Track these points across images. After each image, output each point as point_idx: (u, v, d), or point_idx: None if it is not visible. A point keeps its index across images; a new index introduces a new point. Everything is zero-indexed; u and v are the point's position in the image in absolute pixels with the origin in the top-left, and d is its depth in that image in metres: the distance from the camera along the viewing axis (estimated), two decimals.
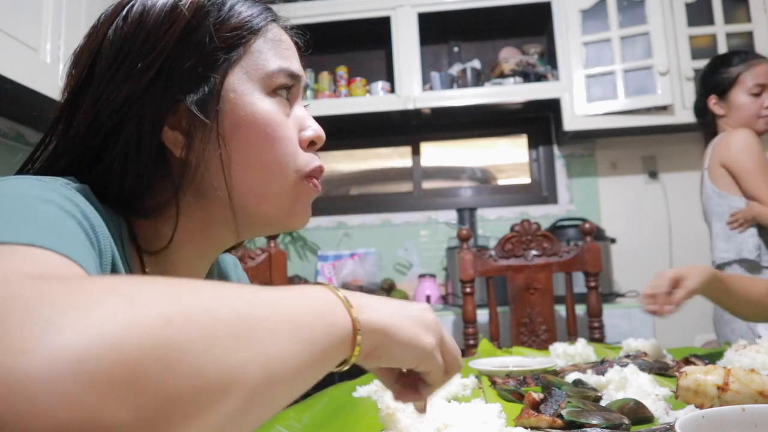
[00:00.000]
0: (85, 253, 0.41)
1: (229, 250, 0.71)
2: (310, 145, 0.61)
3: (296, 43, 0.64)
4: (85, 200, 0.48)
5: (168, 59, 0.53)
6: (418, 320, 0.47)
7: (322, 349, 0.37)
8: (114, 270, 0.49)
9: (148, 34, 0.53)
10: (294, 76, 0.60)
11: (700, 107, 1.87)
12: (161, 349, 0.25)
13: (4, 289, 0.26)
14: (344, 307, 0.40)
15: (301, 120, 0.61)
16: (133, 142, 0.53)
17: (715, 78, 1.80)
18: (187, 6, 0.54)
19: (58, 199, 0.44)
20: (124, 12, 0.55)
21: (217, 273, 0.72)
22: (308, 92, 2.69)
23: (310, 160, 0.60)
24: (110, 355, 0.23)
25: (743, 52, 1.83)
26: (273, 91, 0.58)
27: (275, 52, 0.59)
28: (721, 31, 2.41)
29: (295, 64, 0.61)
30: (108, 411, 0.23)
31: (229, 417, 0.28)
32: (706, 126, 1.88)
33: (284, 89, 0.59)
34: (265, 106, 0.57)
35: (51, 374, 0.22)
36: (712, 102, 1.80)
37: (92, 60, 0.55)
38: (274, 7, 0.63)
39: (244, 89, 0.56)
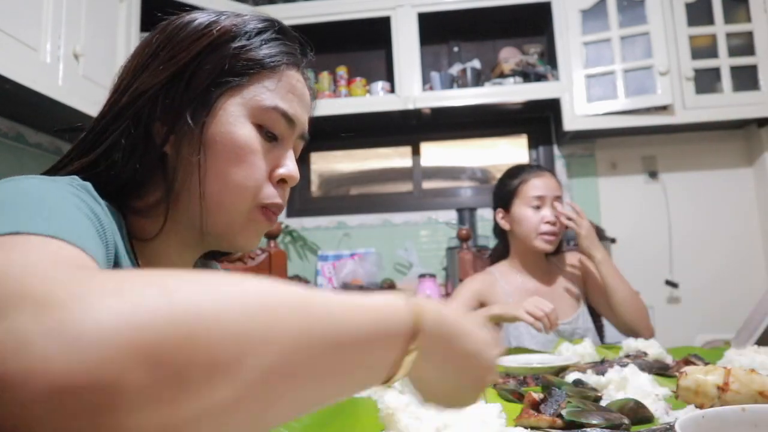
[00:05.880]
0: (97, 246, 0.46)
1: (214, 258, 0.77)
2: (280, 182, 0.65)
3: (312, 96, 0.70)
4: (89, 196, 0.53)
5: (186, 67, 0.60)
6: (483, 361, 0.45)
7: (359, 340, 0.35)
8: (117, 260, 0.54)
9: (178, 42, 0.61)
10: (288, 118, 0.64)
11: (495, 223, 1.71)
12: (185, 338, 0.28)
13: (54, 271, 0.30)
14: (404, 305, 0.38)
15: (280, 158, 0.65)
16: (131, 128, 0.59)
17: (500, 190, 1.67)
18: (218, 28, 0.62)
19: (71, 197, 0.49)
20: (168, 26, 0.63)
21: None
22: None
23: (272, 195, 0.64)
24: (139, 333, 0.27)
25: (532, 166, 1.69)
26: (260, 125, 0.63)
27: (279, 93, 0.63)
28: (721, 31, 2.41)
29: (294, 108, 0.65)
30: (129, 372, 0.26)
31: (244, 390, 0.30)
32: (500, 245, 1.73)
33: (274, 129, 0.63)
34: (244, 131, 0.61)
35: (97, 337, 0.26)
36: (499, 216, 1.66)
37: (129, 66, 0.63)
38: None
39: (233, 111, 0.61)
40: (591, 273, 1.66)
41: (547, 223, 1.56)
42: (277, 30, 0.66)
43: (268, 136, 0.63)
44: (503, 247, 1.70)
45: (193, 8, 0.68)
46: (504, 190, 1.64)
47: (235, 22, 0.63)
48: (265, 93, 0.62)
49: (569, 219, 1.57)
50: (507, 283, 1.61)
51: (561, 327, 1.54)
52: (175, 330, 0.28)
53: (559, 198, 1.61)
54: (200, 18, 0.63)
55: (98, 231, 0.49)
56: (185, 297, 0.29)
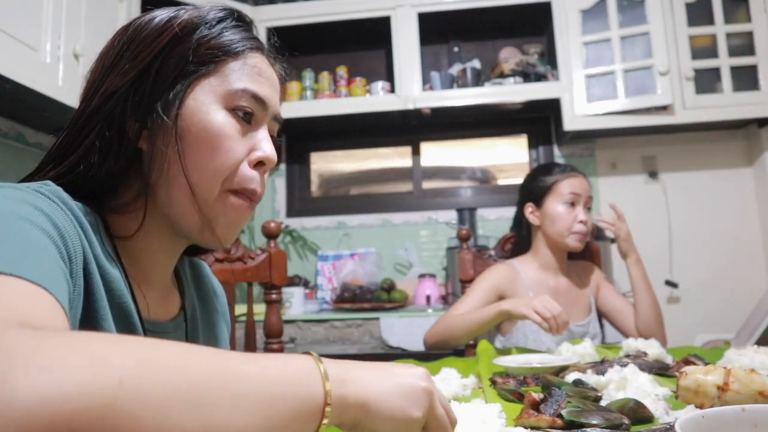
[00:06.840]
0: (54, 269, 0.46)
1: (196, 255, 0.78)
2: (259, 165, 0.64)
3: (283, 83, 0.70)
4: (54, 203, 0.53)
5: (151, 64, 0.60)
6: (406, 391, 0.47)
7: (282, 421, 0.38)
8: (86, 269, 0.54)
9: (141, 41, 0.62)
10: (258, 100, 0.64)
11: (518, 217, 1.74)
12: (107, 408, 0.28)
13: None
14: (321, 379, 0.41)
15: (257, 141, 0.65)
16: (105, 129, 0.60)
17: (532, 185, 1.68)
18: (178, 22, 0.62)
19: (30, 212, 0.48)
20: (129, 27, 0.64)
21: (190, 272, 0.78)
22: (308, 92, 2.69)
23: (248, 179, 0.63)
24: (57, 410, 0.27)
25: (566, 165, 1.71)
26: (232, 109, 0.62)
27: (247, 75, 0.64)
28: (721, 31, 2.41)
29: (264, 89, 0.65)
30: None
31: None
32: (522, 239, 1.73)
33: (246, 110, 0.63)
34: (217, 117, 0.61)
35: (20, 416, 0.26)
36: (528, 210, 1.67)
37: (96, 70, 0.64)
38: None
39: (204, 99, 0.61)
40: (604, 282, 1.71)
41: (581, 222, 1.59)
42: (236, 17, 0.66)
43: (242, 119, 0.63)
44: (525, 241, 1.72)
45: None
46: (537, 186, 1.66)
47: (195, 14, 0.64)
48: (233, 76, 0.63)
49: (611, 224, 1.64)
50: (528, 277, 1.62)
51: (575, 329, 1.57)
52: (96, 408, 0.28)
53: (591, 199, 1.64)
54: (160, 15, 0.64)
55: (56, 244, 0.49)
56: (110, 373, 0.30)
